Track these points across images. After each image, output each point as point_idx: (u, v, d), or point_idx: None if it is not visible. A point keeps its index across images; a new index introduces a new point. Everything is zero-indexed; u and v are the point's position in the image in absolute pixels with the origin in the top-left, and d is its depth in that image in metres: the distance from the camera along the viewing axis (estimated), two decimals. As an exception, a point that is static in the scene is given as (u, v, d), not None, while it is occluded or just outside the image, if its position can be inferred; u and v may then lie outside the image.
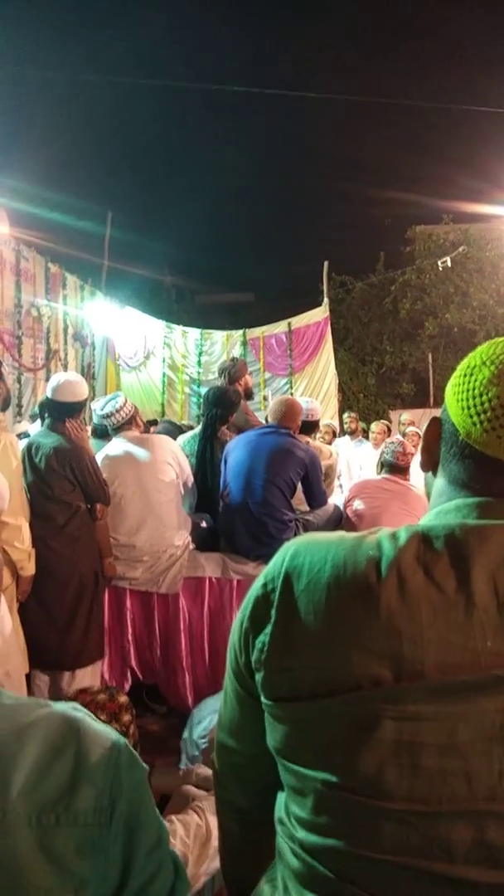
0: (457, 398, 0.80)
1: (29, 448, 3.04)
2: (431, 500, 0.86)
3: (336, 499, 4.12)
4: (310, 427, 4.24)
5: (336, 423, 7.29)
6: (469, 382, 0.79)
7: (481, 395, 0.77)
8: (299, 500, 3.64)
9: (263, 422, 4.08)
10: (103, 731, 0.70)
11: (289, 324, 8.72)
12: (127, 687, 3.52)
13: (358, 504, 3.58)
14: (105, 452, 3.50)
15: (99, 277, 9.51)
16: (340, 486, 5.65)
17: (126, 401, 3.58)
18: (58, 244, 8.12)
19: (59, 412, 3.13)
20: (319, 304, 8.87)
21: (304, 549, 0.81)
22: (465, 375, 0.80)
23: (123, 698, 1.56)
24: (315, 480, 3.51)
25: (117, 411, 3.50)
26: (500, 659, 0.67)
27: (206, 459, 3.85)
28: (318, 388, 8.40)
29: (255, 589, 0.83)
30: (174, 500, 3.50)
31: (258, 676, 0.79)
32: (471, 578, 0.71)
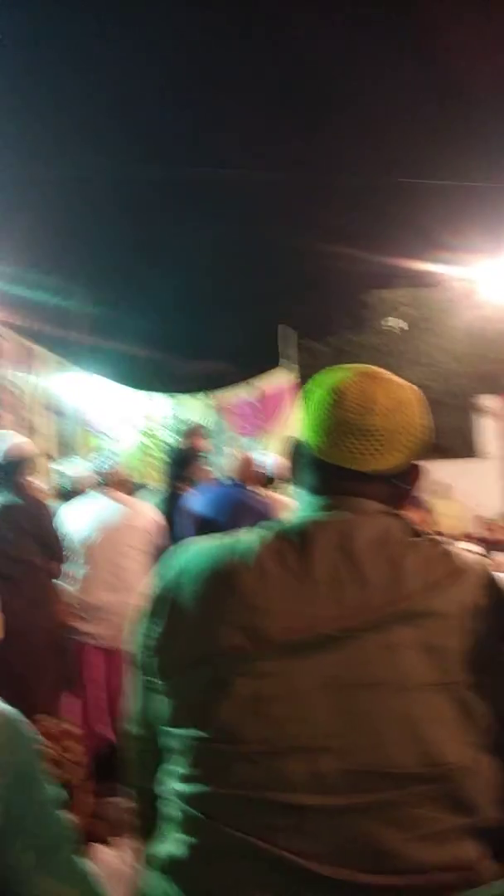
0: (304, 420, 0.99)
1: (-7, 509, 3.16)
2: (297, 505, 1.03)
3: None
4: (269, 479, 4.44)
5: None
6: (310, 406, 0.98)
7: (320, 416, 0.95)
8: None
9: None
10: (4, 707, 0.84)
11: (258, 388, 9.04)
12: (96, 747, 3.52)
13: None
14: (84, 505, 3.62)
15: (75, 351, 9.82)
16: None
17: (120, 460, 3.73)
18: (34, 321, 8.43)
19: (17, 470, 3.25)
20: (287, 369, 9.23)
21: (192, 552, 0.98)
22: (308, 400, 0.99)
23: (73, 728, 1.66)
24: (272, 530, 3.64)
25: (110, 469, 3.64)
26: (332, 622, 0.83)
27: (171, 518, 3.99)
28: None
29: (152, 589, 0.99)
30: (144, 566, 3.58)
31: (153, 661, 0.93)
32: (312, 561, 0.87)
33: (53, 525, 3.23)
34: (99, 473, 3.67)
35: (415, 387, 1.01)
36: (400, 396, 0.95)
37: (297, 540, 0.90)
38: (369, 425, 0.92)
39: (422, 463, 1.01)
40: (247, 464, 3.79)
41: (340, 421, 0.93)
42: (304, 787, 0.79)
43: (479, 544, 7.61)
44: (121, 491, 3.68)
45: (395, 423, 0.93)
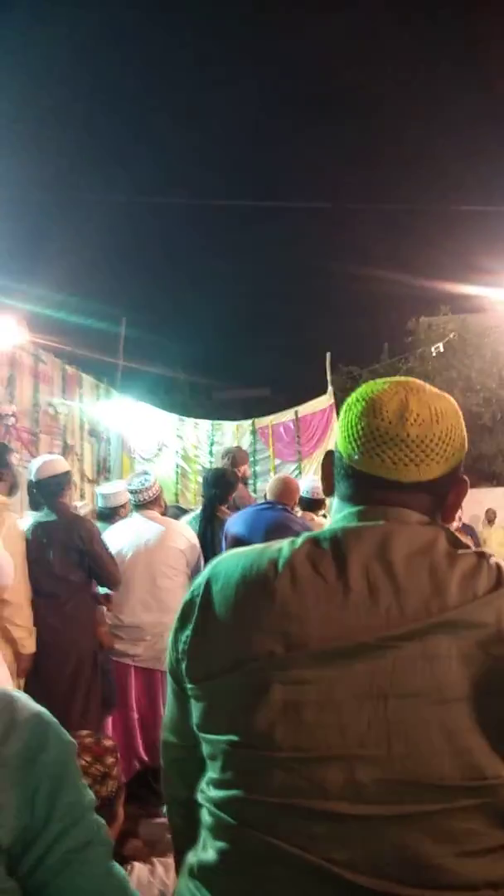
0: (340, 430, 0.99)
1: (35, 528, 3.22)
2: (331, 516, 1.03)
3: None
4: (316, 504, 4.44)
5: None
6: (347, 417, 0.98)
7: (356, 426, 0.96)
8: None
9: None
10: (36, 706, 0.85)
11: (296, 412, 9.06)
12: (135, 768, 3.52)
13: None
14: (121, 525, 3.69)
15: (115, 376, 10.00)
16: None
17: (155, 481, 3.79)
18: (75, 347, 8.64)
19: (52, 489, 3.31)
20: (329, 394, 9.22)
21: (224, 560, 0.99)
22: (345, 412, 0.99)
23: (109, 742, 1.66)
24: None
25: (146, 489, 3.69)
26: (369, 631, 0.82)
27: (208, 539, 4.01)
28: (326, 473, 8.60)
29: (185, 596, 1.00)
30: (181, 587, 3.61)
31: (183, 666, 0.94)
32: (348, 569, 0.87)
33: (99, 541, 3.27)
34: (134, 494, 3.72)
35: (451, 398, 1.00)
36: (436, 407, 0.95)
37: (330, 548, 0.90)
38: (404, 435, 0.91)
39: (464, 475, 1.00)
40: (285, 486, 3.79)
41: (375, 430, 0.93)
42: (341, 795, 0.78)
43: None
44: (156, 511, 3.72)
45: (431, 433, 0.92)
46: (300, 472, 8.77)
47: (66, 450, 7.81)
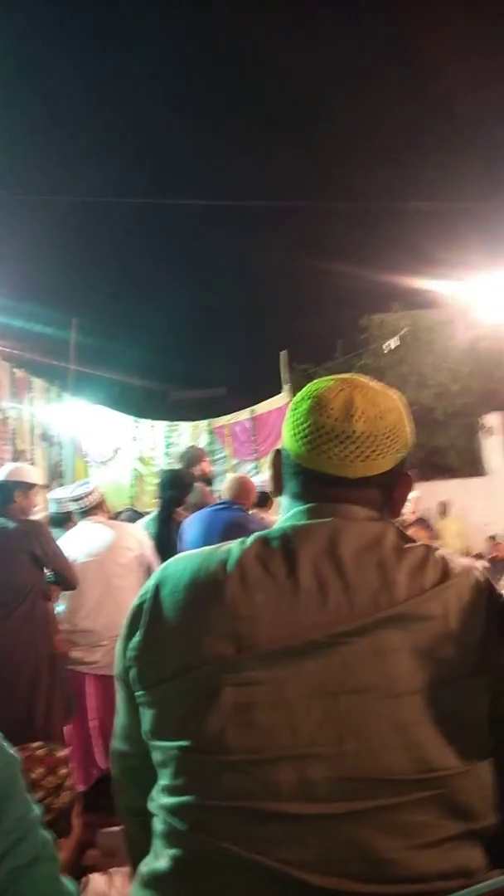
0: (287, 428, 0.99)
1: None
2: (281, 515, 1.02)
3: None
4: (264, 501, 4.43)
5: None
6: (294, 415, 0.98)
7: (303, 423, 0.95)
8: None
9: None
10: None
11: (252, 411, 9.07)
12: (94, 777, 3.46)
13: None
14: (70, 535, 3.64)
15: (67, 380, 9.85)
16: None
17: (95, 487, 3.77)
18: (24, 351, 8.47)
19: (10, 493, 3.25)
20: (285, 393, 9.25)
21: (173, 563, 0.97)
22: (292, 410, 0.99)
23: (62, 753, 1.62)
24: (268, 552, 3.63)
25: (87, 495, 3.70)
26: (319, 628, 0.82)
27: (164, 542, 3.97)
28: (283, 471, 8.62)
29: (133, 601, 0.98)
30: (135, 586, 3.58)
31: (132, 673, 0.92)
32: (297, 567, 0.86)
33: (55, 541, 3.22)
34: (76, 502, 3.70)
35: (397, 393, 1.00)
36: (381, 402, 0.95)
37: (280, 546, 0.90)
38: (350, 431, 0.91)
39: (412, 471, 1.01)
40: (241, 486, 3.78)
41: (322, 427, 0.93)
42: (294, 795, 0.77)
43: (488, 563, 7.57)
44: (101, 516, 3.70)
45: (377, 428, 0.92)
46: (258, 472, 8.78)
47: (17, 455, 7.64)
